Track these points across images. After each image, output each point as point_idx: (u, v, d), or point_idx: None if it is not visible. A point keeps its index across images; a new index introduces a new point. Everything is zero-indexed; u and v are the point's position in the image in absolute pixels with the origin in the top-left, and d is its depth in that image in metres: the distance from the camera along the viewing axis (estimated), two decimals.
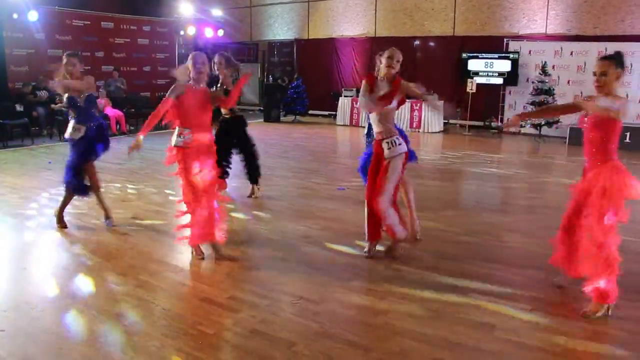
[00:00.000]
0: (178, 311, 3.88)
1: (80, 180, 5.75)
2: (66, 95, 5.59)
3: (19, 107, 12.32)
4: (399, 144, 4.73)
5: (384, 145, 4.74)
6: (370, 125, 5.65)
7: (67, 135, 5.74)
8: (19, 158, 10.13)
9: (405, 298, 4.10)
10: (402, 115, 15.40)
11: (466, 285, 4.37)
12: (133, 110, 14.67)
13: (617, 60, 3.85)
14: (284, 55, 20.12)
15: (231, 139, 6.96)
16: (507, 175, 9.30)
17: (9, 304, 3.94)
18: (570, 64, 13.93)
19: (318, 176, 8.80)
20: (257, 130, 14.62)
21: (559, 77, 13.97)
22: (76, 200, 6.05)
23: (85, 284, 4.32)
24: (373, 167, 4.87)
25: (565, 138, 13.08)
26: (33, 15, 12.63)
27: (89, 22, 15.62)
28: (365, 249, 5.05)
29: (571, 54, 13.91)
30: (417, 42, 16.73)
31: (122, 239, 5.47)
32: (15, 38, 13.65)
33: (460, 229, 5.93)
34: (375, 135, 4.89)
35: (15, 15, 12.42)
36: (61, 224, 5.79)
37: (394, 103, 4.74)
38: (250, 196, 7.17)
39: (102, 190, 5.97)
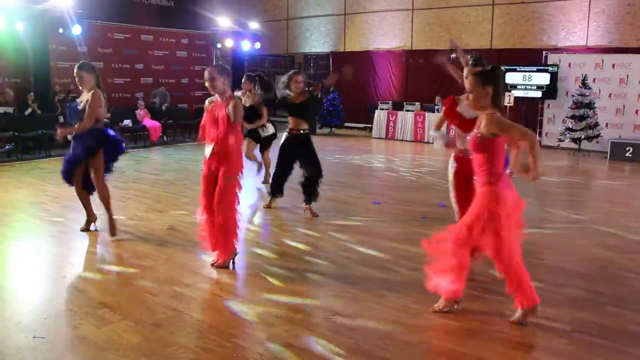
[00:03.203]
0: (213, 323, 3.89)
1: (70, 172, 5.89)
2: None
3: (61, 119, 12.66)
4: None
5: None
6: None
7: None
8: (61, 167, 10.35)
9: (442, 316, 4.03)
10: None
11: (505, 303, 4.27)
12: (171, 121, 14.91)
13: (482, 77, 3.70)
14: (320, 67, 20.23)
15: (296, 155, 6.87)
16: (545, 191, 9.12)
17: (48, 311, 4.03)
18: (611, 76, 13.59)
19: (353, 189, 8.77)
20: None
21: (599, 90, 13.65)
22: (114, 210, 6.15)
23: (122, 294, 4.38)
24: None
25: (607, 153, 12.77)
26: (77, 29, 12.99)
27: (129, 35, 16.01)
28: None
29: (613, 66, 13.57)
30: (453, 55, 16.60)
31: (159, 249, 5.53)
32: (60, 51, 14.09)
33: None
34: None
35: (60, 30, 12.80)
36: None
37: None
38: (311, 214, 6.91)
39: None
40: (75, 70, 5.65)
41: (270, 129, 8.42)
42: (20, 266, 5.12)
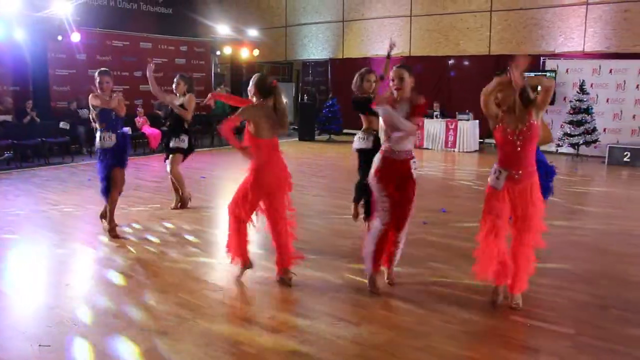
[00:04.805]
0: (219, 330, 3.89)
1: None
2: (99, 108, 6.00)
3: (62, 125, 12.70)
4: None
5: (412, 165, 4.50)
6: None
7: (98, 145, 6.11)
8: (60, 175, 10.37)
9: (447, 321, 4.04)
10: (436, 135, 15.32)
11: (509, 307, 4.27)
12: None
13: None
14: (318, 74, 20.26)
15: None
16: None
17: (53, 319, 4.02)
18: (609, 82, 13.67)
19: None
20: (291, 148, 14.73)
21: (597, 95, 13.72)
22: (115, 217, 6.18)
23: (126, 301, 4.37)
24: (398, 185, 4.47)
25: (605, 158, 12.81)
26: (76, 37, 13.00)
27: (128, 43, 16.03)
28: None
29: (610, 71, 13.65)
30: (451, 61, 16.68)
31: (161, 256, 5.53)
32: (59, 59, 14.11)
33: None
34: (400, 154, 4.46)
35: (59, 38, 12.80)
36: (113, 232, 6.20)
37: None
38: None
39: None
40: (100, 76, 6.06)
41: (184, 141, 7.39)
42: (23, 274, 5.12)
